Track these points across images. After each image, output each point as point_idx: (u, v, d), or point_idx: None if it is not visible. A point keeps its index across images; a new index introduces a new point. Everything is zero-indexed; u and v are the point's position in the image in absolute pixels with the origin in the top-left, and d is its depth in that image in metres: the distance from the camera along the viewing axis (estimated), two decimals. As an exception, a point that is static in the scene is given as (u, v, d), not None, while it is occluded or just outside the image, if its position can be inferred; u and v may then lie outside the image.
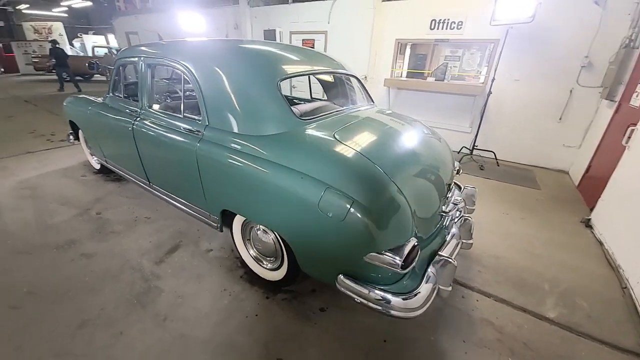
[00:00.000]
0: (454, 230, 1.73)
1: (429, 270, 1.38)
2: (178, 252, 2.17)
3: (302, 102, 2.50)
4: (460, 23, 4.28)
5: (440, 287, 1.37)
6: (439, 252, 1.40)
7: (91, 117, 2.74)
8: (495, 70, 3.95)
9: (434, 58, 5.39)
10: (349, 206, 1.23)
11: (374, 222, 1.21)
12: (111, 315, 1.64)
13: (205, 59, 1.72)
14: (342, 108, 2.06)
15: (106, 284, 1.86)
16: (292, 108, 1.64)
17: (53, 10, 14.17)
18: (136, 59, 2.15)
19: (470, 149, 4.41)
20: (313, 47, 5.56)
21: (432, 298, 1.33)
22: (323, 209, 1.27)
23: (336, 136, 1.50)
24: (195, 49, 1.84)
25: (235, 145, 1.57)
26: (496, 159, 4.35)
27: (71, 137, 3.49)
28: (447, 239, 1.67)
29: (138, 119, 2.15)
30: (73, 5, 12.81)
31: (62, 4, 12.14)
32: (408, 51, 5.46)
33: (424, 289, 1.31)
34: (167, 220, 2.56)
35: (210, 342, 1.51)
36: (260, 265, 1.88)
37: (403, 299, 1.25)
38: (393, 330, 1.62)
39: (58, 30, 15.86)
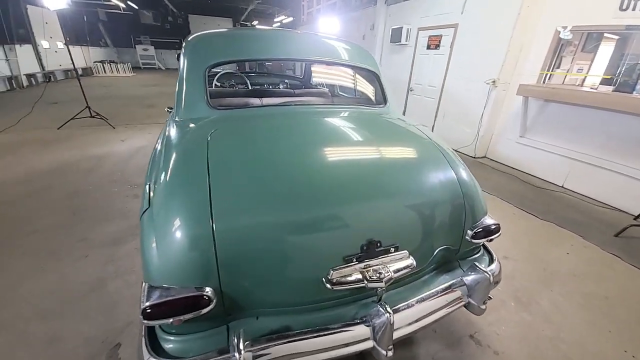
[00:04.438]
0: (380, 320, 1.02)
1: (238, 351, 0.89)
2: (177, 216, 2.50)
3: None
4: (697, -10, 2.33)
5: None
6: (249, 341, 0.88)
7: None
8: None
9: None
10: (143, 210, 1.01)
11: (148, 238, 0.92)
12: (100, 242, 2.13)
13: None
14: (297, 101, 1.71)
15: (124, 221, 2.41)
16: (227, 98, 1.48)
17: (272, 25, 19.02)
18: None
19: (659, 217, 2.43)
20: (438, 45, 4.66)
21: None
22: (142, 204, 1.10)
23: (211, 134, 1.21)
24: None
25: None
26: None
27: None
28: (339, 325, 1.01)
29: None
30: (283, 21, 16.64)
31: (275, 20, 16.11)
32: (607, 48, 3.51)
33: None
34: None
35: (109, 295, 1.68)
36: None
37: None
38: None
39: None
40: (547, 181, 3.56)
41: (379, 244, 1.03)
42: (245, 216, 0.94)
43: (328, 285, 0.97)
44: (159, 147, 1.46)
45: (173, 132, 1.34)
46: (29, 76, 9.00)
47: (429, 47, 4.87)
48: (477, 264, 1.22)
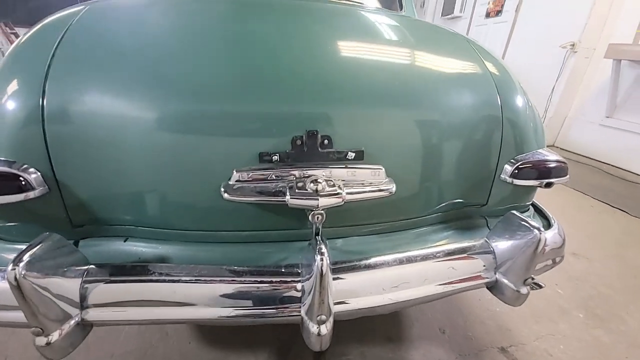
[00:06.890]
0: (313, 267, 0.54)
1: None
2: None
3: None
4: None
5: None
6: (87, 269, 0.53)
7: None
8: None
9: None
10: None
11: None
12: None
13: None
14: None
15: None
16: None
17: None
18: None
19: None
20: (500, 12, 3.87)
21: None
22: None
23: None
24: None
25: None
26: None
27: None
28: (244, 269, 0.59)
29: None
30: None
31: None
32: None
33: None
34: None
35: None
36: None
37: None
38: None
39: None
40: (645, 176, 2.63)
41: (326, 141, 0.60)
42: (99, 71, 0.58)
43: (226, 194, 0.56)
44: None
45: None
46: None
47: (487, 16, 4.11)
48: (516, 213, 0.69)
